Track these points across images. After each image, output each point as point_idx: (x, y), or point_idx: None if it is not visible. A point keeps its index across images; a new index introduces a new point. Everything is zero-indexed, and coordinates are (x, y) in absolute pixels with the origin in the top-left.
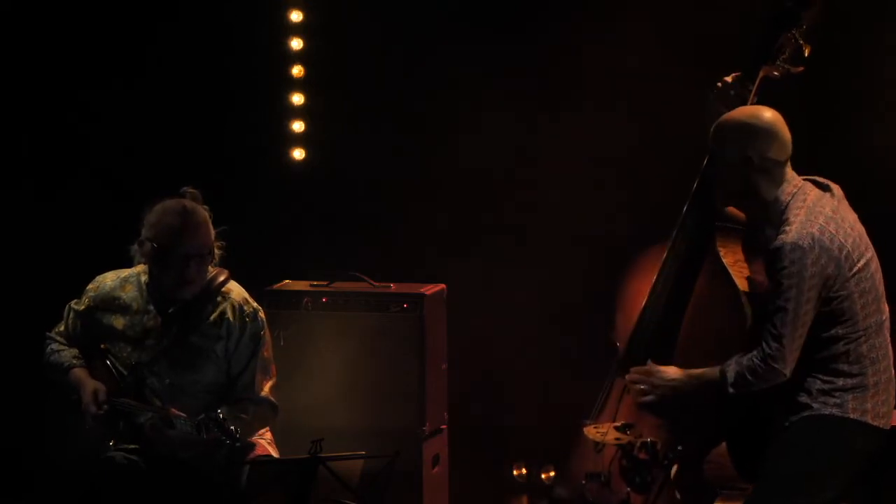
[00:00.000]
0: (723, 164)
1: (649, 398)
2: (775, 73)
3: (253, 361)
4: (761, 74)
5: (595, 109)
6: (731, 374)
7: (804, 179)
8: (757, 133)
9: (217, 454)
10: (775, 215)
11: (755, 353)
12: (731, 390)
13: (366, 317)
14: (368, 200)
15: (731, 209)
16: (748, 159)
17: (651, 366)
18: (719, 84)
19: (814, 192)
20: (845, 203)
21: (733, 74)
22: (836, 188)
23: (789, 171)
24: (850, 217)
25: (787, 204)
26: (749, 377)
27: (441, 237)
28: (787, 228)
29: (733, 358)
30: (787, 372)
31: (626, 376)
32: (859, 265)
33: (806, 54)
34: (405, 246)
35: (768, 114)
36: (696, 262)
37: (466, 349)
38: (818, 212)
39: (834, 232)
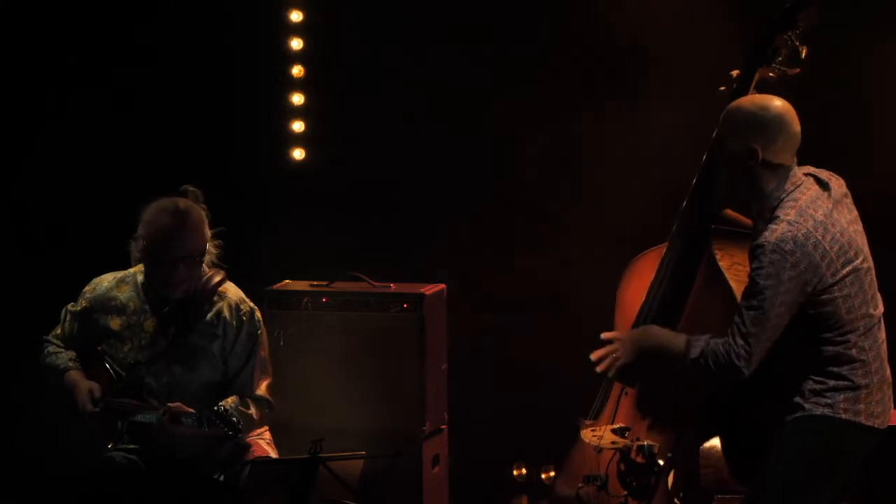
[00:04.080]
0: (728, 151)
1: (617, 352)
2: (771, 74)
3: (251, 360)
4: (757, 76)
5: (593, 108)
6: (696, 349)
7: (806, 174)
8: (766, 126)
9: (218, 452)
10: (767, 210)
11: (723, 342)
12: (689, 362)
13: (366, 317)
14: (368, 200)
15: (731, 212)
16: (753, 151)
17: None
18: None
19: (811, 190)
20: (845, 202)
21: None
22: (836, 185)
23: (793, 167)
24: (843, 220)
25: (781, 200)
26: (710, 362)
27: (441, 237)
28: (774, 227)
29: (707, 335)
30: (747, 372)
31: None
32: (844, 272)
33: (802, 56)
34: (405, 246)
35: (780, 106)
36: (693, 265)
37: (466, 349)
38: (809, 214)
39: (820, 238)
